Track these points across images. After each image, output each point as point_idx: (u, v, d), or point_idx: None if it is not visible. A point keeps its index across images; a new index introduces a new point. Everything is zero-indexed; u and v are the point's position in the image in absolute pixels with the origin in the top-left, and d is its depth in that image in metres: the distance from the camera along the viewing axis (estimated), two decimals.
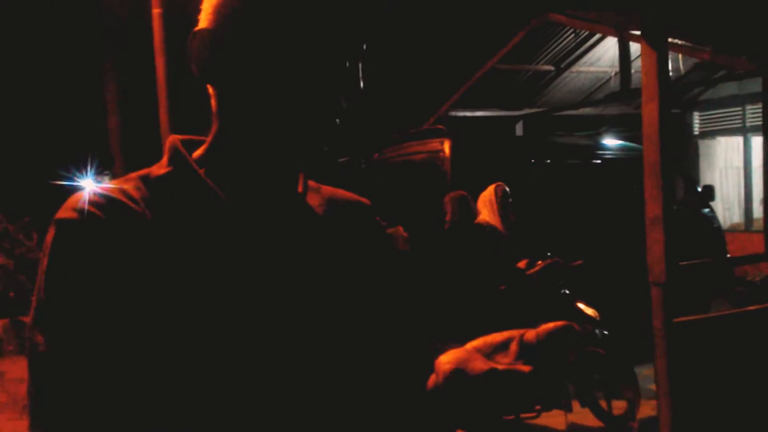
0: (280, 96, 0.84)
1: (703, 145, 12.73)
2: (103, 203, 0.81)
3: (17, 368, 8.08)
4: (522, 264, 4.90)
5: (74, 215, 0.80)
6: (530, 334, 0.80)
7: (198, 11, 0.90)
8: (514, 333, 0.82)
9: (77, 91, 13.09)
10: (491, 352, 0.82)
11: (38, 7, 11.41)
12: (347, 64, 0.86)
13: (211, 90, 0.90)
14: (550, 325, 0.79)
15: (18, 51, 12.99)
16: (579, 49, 9.30)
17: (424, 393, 0.86)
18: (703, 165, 12.63)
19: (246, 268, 0.84)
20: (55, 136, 13.79)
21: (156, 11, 7.93)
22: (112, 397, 0.75)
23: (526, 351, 0.80)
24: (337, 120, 0.87)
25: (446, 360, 0.82)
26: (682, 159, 11.80)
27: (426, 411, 0.86)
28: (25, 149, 13.93)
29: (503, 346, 0.82)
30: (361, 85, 0.89)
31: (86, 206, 0.80)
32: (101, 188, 0.83)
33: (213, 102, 0.91)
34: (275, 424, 0.82)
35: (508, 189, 5.29)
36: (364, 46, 0.89)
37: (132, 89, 11.78)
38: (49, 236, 0.81)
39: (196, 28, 0.88)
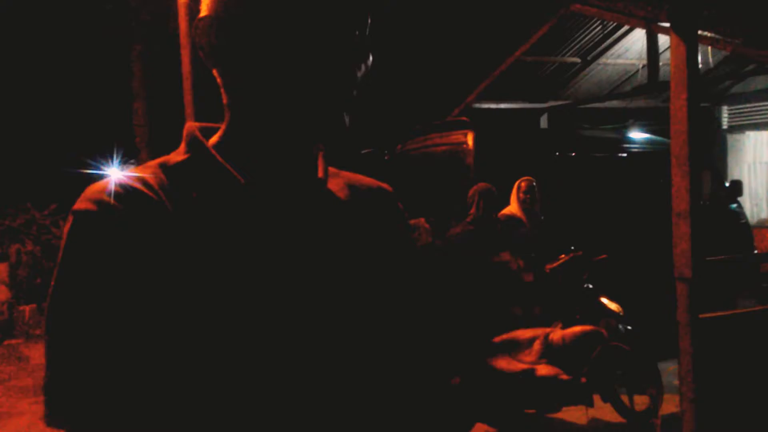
0: (288, 73, 0.83)
1: (732, 139, 12.54)
2: (120, 193, 0.81)
3: (42, 353, 8.22)
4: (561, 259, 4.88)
5: (90, 206, 0.80)
6: (556, 335, 0.79)
7: None
8: (538, 332, 0.81)
9: (104, 81, 13.22)
10: (515, 349, 0.81)
11: (64, 3, 11.53)
12: (355, 38, 0.85)
13: (219, 77, 0.90)
14: (578, 328, 0.78)
15: (46, 42, 13.13)
16: (606, 41, 9.18)
17: (445, 384, 0.86)
18: (731, 160, 12.45)
19: (266, 252, 0.84)
20: (82, 126, 13.94)
21: (182, 1, 7.97)
22: (123, 386, 0.75)
23: (549, 351, 0.79)
24: (352, 95, 0.86)
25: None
26: (709, 153, 11.64)
27: (448, 403, 0.86)
28: (52, 138, 14.10)
29: (528, 343, 0.81)
30: (371, 58, 0.88)
31: (102, 197, 0.80)
32: (119, 177, 0.83)
33: (222, 89, 0.91)
34: (297, 411, 0.82)
35: (534, 183, 5.28)
36: (369, 19, 0.87)
37: (158, 79, 11.87)
38: (66, 226, 0.81)
39: (200, 16, 0.88)
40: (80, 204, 0.81)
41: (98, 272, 0.77)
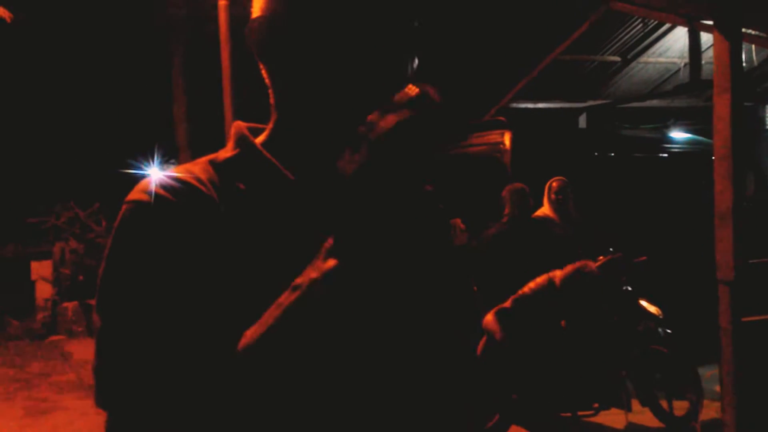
0: (336, 73, 0.85)
1: None
2: (173, 186, 0.84)
3: (85, 349, 8.39)
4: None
5: (144, 197, 0.83)
6: (556, 277, 0.80)
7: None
8: (543, 278, 0.83)
9: (145, 82, 13.44)
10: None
11: (106, 5, 11.75)
12: (402, 39, 0.86)
13: (268, 76, 0.92)
14: (568, 268, 0.78)
15: (88, 45, 13.40)
16: (647, 39, 9.03)
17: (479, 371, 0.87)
18: None
19: (314, 246, 0.85)
20: (123, 126, 14.20)
21: (222, 3, 8.06)
22: (172, 376, 0.76)
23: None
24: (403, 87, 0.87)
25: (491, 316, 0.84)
26: (753, 153, 11.38)
27: (479, 377, 0.87)
28: (95, 138, 14.39)
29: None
30: (417, 60, 0.89)
31: (155, 188, 0.83)
32: (171, 172, 0.87)
33: (271, 88, 0.92)
34: (343, 410, 0.83)
35: (565, 184, 5.21)
36: (417, 22, 0.89)
37: (198, 80, 12.03)
38: (119, 216, 0.84)
39: (252, 17, 0.90)
40: (133, 195, 0.84)
41: (148, 259, 0.80)
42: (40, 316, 10.29)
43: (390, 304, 0.83)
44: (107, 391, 0.79)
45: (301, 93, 0.88)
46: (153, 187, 0.83)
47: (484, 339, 0.88)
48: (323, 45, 0.85)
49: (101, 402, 0.80)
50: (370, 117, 0.71)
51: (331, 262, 0.72)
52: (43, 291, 10.65)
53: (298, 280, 0.74)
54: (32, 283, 10.84)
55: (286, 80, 0.90)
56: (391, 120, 0.69)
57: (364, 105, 0.84)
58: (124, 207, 0.84)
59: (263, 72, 0.92)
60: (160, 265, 0.79)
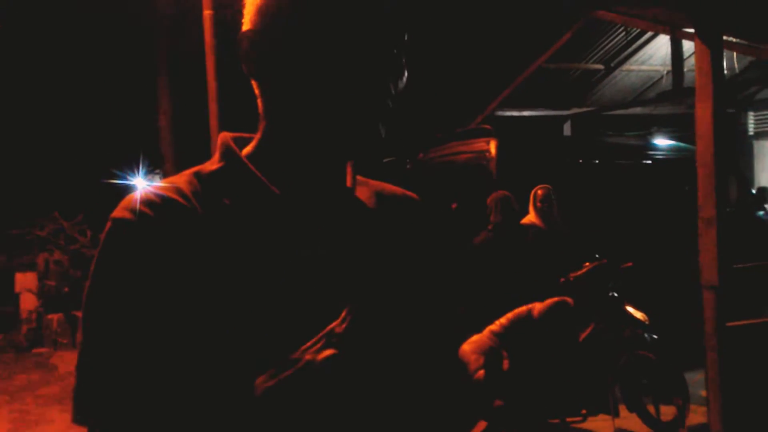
0: (326, 88, 0.85)
1: (758, 145, 12.38)
2: (156, 202, 0.84)
3: (70, 362, 8.31)
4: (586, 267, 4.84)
5: (128, 215, 0.83)
6: (535, 311, 0.79)
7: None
8: (522, 309, 0.81)
9: (129, 93, 13.39)
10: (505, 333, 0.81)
11: (91, 10, 11.69)
12: (391, 56, 0.87)
13: (257, 88, 0.93)
14: (547, 301, 0.78)
15: (71, 53, 13.34)
16: (630, 47, 9.12)
17: (458, 386, 0.87)
18: (758, 166, 12.28)
19: (295, 259, 0.86)
20: (107, 137, 14.13)
21: (207, 12, 8.06)
22: (153, 390, 0.77)
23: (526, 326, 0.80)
24: (385, 110, 0.88)
25: (470, 347, 0.83)
26: (736, 160, 11.49)
27: (461, 400, 0.87)
28: (78, 149, 14.31)
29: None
30: (406, 75, 0.90)
31: (139, 206, 0.84)
32: (155, 187, 0.87)
33: (260, 100, 0.93)
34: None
35: (550, 191, 5.24)
36: (406, 37, 0.90)
37: (182, 90, 12.00)
38: (104, 233, 0.85)
39: (242, 30, 0.90)
40: (118, 212, 0.85)
41: (132, 278, 0.81)
42: (24, 328, 10.18)
43: (380, 364, 0.85)
44: (86, 407, 0.79)
45: (288, 107, 0.89)
46: (137, 205, 0.84)
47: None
48: (313, 61, 0.85)
49: (79, 418, 0.80)
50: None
51: (329, 352, 0.73)
52: (28, 303, 10.54)
53: (296, 355, 0.75)
54: (17, 295, 10.73)
55: (275, 94, 0.90)
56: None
57: (350, 122, 0.86)
58: (108, 224, 0.84)
59: (253, 84, 0.93)
60: (144, 283, 0.80)
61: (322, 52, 0.85)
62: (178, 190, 0.87)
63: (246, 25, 0.91)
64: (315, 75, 0.85)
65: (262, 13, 0.89)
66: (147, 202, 0.84)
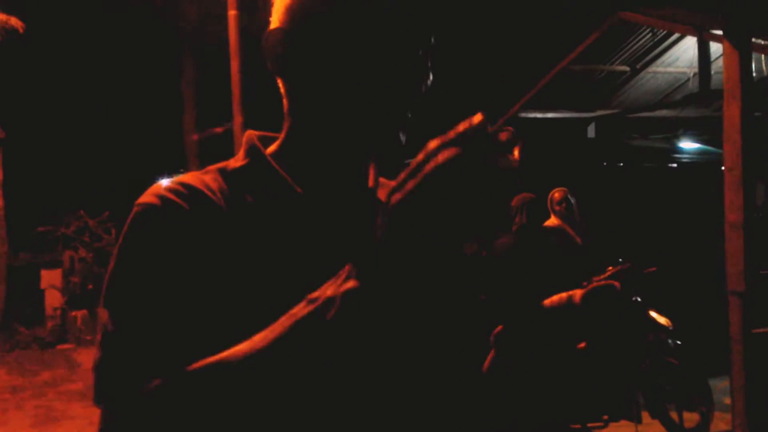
0: (352, 90, 0.86)
1: None
2: (182, 191, 0.85)
3: (93, 358, 8.41)
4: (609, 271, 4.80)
5: (153, 200, 0.84)
6: (576, 296, 0.78)
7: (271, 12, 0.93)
8: (563, 295, 0.80)
9: (155, 93, 13.52)
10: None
11: (117, 17, 11.82)
12: (417, 58, 0.87)
13: (283, 87, 0.93)
14: (591, 286, 0.77)
15: (98, 56, 13.49)
16: (656, 49, 9.02)
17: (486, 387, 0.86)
18: None
19: (318, 258, 0.85)
20: (133, 137, 14.28)
21: (232, 13, 8.11)
22: (173, 375, 0.76)
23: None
24: (409, 113, 0.88)
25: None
26: (763, 163, 11.33)
27: (486, 395, 0.86)
28: (104, 149, 14.47)
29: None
30: (431, 78, 0.90)
31: (165, 192, 0.85)
32: (182, 177, 0.88)
33: (285, 99, 0.93)
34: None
35: (566, 194, 5.19)
36: (432, 39, 0.90)
37: (208, 90, 12.09)
38: (129, 218, 0.85)
39: (270, 27, 0.91)
40: (144, 198, 0.86)
41: (155, 258, 0.81)
42: (49, 324, 10.33)
43: (403, 328, 0.83)
44: (105, 385, 0.79)
45: (313, 106, 0.89)
46: (162, 191, 0.85)
47: (491, 354, 0.87)
48: (342, 61, 0.86)
49: (99, 396, 0.79)
50: (431, 145, 0.69)
51: (351, 284, 0.71)
52: (53, 299, 10.68)
53: (315, 294, 0.74)
54: (42, 292, 10.88)
55: (300, 93, 0.91)
56: (448, 154, 0.67)
57: (373, 122, 0.87)
58: (134, 209, 0.85)
59: (279, 82, 0.93)
60: (167, 265, 0.81)
61: (349, 52, 0.85)
62: (204, 183, 0.88)
63: (274, 23, 0.91)
64: (340, 74, 0.86)
65: (292, 11, 0.89)
66: (173, 190, 0.85)
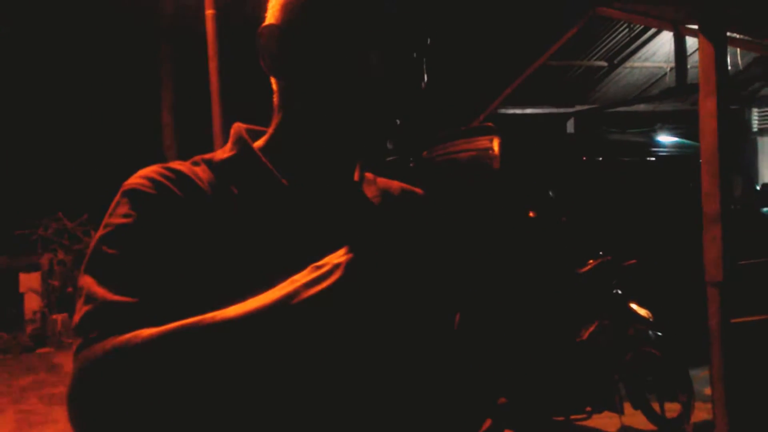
0: (345, 90, 0.87)
1: (762, 142, 12.35)
2: (171, 176, 0.87)
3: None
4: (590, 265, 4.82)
5: (141, 180, 0.86)
6: None
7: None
8: None
9: (132, 94, 13.41)
10: None
11: (95, 13, 11.71)
12: (411, 61, 0.89)
13: (275, 83, 0.94)
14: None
15: (74, 53, 13.36)
16: (633, 44, 9.11)
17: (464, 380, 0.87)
18: (762, 163, 12.25)
19: (301, 250, 0.86)
20: (110, 137, 14.15)
21: (209, 12, 8.06)
22: (151, 357, 0.74)
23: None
24: (397, 117, 0.89)
25: None
26: (739, 156, 11.47)
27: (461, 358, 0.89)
28: (82, 149, 14.33)
29: None
30: (425, 80, 0.91)
31: (151, 174, 0.86)
32: (170, 164, 0.90)
33: (276, 95, 0.95)
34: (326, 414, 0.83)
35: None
36: (428, 41, 0.91)
37: (185, 88, 12.01)
38: (116, 197, 0.86)
39: (264, 24, 0.92)
40: (130, 180, 0.87)
41: (142, 231, 0.82)
42: (29, 328, 10.21)
43: (391, 304, 0.84)
44: (79, 347, 0.77)
45: (307, 104, 0.90)
46: (149, 174, 0.86)
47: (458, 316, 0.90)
48: (336, 60, 0.87)
49: (74, 357, 0.76)
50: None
51: (350, 255, 0.75)
52: (32, 303, 10.57)
53: (320, 263, 0.76)
54: (21, 296, 10.75)
55: (294, 90, 0.92)
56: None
57: (368, 127, 0.88)
58: (122, 188, 0.86)
59: (271, 79, 0.94)
60: (153, 239, 0.81)
61: (344, 51, 0.86)
62: (191, 170, 0.89)
63: (269, 20, 0.92)
64: (334, 73, 0.87)
65: (287, 9, 0.90)
66: (160, 173, 0.86)
